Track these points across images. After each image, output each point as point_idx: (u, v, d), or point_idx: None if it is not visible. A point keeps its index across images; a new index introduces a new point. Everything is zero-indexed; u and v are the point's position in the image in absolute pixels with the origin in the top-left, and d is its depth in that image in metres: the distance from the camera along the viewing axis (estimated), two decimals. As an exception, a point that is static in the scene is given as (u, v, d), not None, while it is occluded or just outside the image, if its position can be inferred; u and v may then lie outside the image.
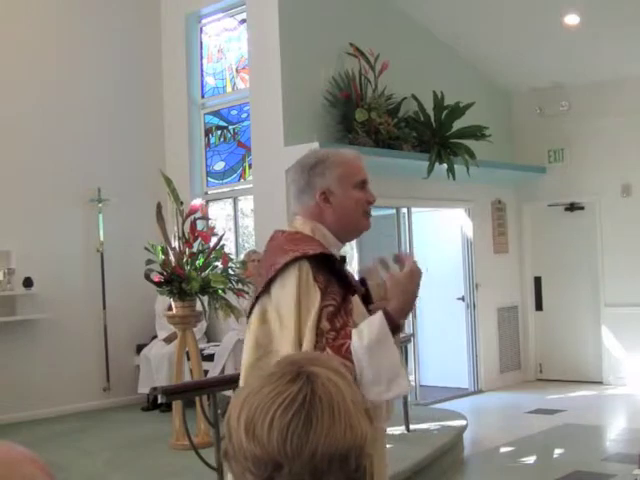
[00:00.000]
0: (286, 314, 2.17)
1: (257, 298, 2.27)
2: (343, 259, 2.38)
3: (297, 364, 1.10)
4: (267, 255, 2.35)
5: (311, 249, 2.22)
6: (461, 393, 9.42)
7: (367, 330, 2.13)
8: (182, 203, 6.64)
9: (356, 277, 2.48)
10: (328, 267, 2.23)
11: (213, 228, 7.02)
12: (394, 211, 9.02)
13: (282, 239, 2.34)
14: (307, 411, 1.04)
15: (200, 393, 5.46)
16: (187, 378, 6.78)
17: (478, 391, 9.56)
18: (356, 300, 2.31)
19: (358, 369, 2.09)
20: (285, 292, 2.19)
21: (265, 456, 1.04)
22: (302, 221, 2.36)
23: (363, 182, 2.39)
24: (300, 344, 2.14)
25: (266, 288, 2.24)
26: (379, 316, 2.15)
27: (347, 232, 2.40)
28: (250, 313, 2.30)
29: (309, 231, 2.33)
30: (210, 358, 7.73)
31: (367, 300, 2.40)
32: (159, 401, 7.18)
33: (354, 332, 2.13)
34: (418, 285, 2.22)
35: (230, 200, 9.03)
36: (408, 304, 2.20)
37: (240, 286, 6.61)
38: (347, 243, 2.54)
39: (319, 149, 2.46)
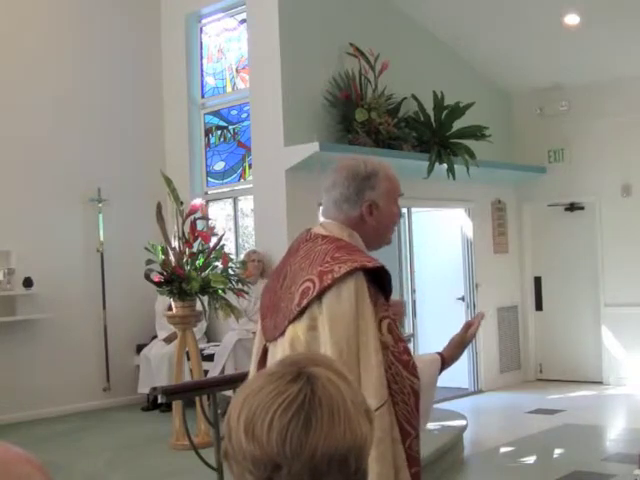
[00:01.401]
0: (342, 327, 2.12)
1: (307, 304, 2.17)
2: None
3: (298, 364, 1.10)
4: (307, 259, 2.26)
5: (367, 261, 2.19)
6: (461, 393, 9.41)
7: (427, 371, 2.31)
8: (182, 203, 6.64)
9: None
10: (377, 280, 2.22)
11: (213, 228, 7.02)
12: (394, 211, 9.01)
13: (329, 246, 2.25)
14: (307, 412, 1.04)
15: (200, 393, 5.46)
16: (187, 378, 6.78)
17: (478, 391, 9.56)
18: None
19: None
20: (341, 304, 2.14)
21: (264, 456, 1.04)
22: (339, 227, 2.32)
23: (400, 195, 2.45)
24: (357, 357, 2.12)
25: (319, 296, 2.16)
26: (437, 362, 2.40)
27: (377, 244, 2.40)
28: (295, 318, 2.20)
29: (347, 237, 2.30)
30: (210, 358, 7.73)
31: None
32: (159, 401, 7.18)
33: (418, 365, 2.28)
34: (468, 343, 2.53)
35: (230, 200, 9.03)
36: (456, 360, 2.47)
37: (240, 286, 6.61)
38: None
39: (366, 159, 2.42)
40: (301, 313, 2.18)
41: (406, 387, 2.16)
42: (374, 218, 2.31)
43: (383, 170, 2.38)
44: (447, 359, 2.40)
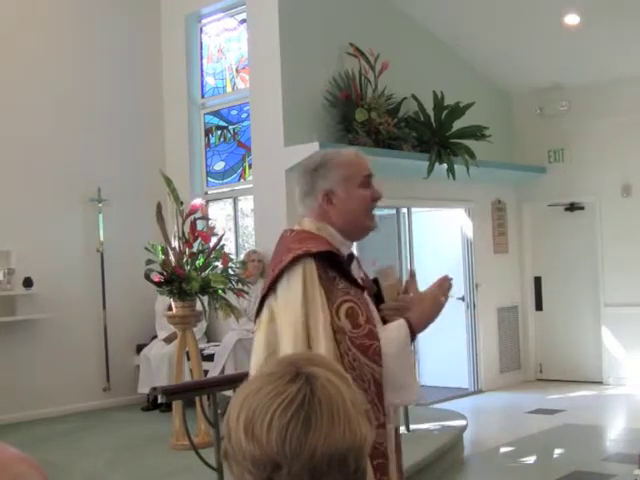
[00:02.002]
0: (292, 313, 2.17)
1: (264, 297, 2.27)
2: (351, 256, 2.38)
3: (296, 364, 1.10)
4: (274, 254, 2.37)
5: (315, 247, 2.22)
6: (461, 393, 9.41)
7: (395, 338, 2.22)
8: (182, 203, 6.64)
9: (370, 276, 2.49)
10: (335, 264, 2.24)
11: (213, 228, 7.02)
12: (394, 211, 9.03)
13: (289, 238, 2.34)
14: (306, 412, 1.04)
15: (200, 393, 5.46)
16: (187, 378, 6.78)
17: (478, 391, 9.56)
18: (366, 298, 2.33)
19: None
20: (290, 291, 2.20)
21: (264, 457, 1.04)
22: (309, 221, 2.37)
23: (368, 177, 2.39)
24: (307, 343, 2.14)
25: (272, 287, 2.24)
26: (404, 326, 2.25)
27: (353, 232, 2.39)
28: (258, 312, 2.30)
29: (315, 230, 2.33)
30: (210, 358, 7.73)
31: (378, 299, 2.43)
32: (159, 401, 7.18)
33: (382, 338, 2.20)
34: (442, 305, 2.35)
35: (230, 200, 9.03)
36: (429, 320, 2.33)
37: (240, 286, 6.61)
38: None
39: (321, 151, 2.50)
40: (261, 305, 2.28)
41: (366, 374, 2.13)
42: (335, 206, 2.33)
43: (336, 158, 2.38)
44: (414, 320, 2.28)
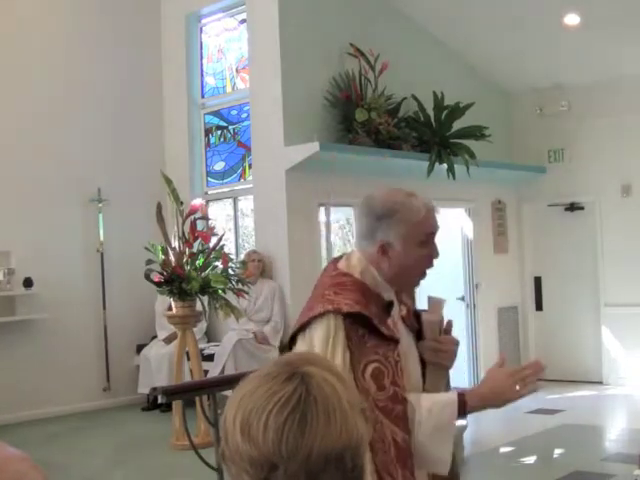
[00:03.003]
0: None
1: (296, 333, 2.18)
2: (390, 304, 2.25)
3: (292, 364, 1.10)
4: (315, 288, 2.27)
5: (348, 303, 2.11)
6: (461, 393, 9.41)
7: (436, 414, 2.11)
8: (182, 203, 6.65)
9: (411, 312, 2.38)
10: (366, 323, 2.13)
11: (213, 228, 7.02)
12: (394, 211, 9.02)
13: (328, 278, 2.24)
14: (302, 411, 1.04)
15: (200, 393, 5.46)
16: (187, 378, 6.78)
17: (478, 391, 9.55)
18: (405, 344, 2.23)
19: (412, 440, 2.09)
20: (307, 345, 2.12)
21: (261, 457, 1.04)
22: (358, 259, 2.25)
23: (430, 235, 2.31)
24: None
25: (302, 328, 2.15)
26: (452, 405, 2.13)
27: (400, 285, 2.30)
28: (290, 346, 2.21)
29: (359, 273, 2.22)
30: (210, 358, 7.73)
31: (418, 335, 2.33)
32: (159, 401, 7.18)
33: (424, 408, 2.10)
34: (512, 400, 2.16)
35: (230, 200, 9.03)
36: (488, 404, 2.18)
37: (240, 286, 6.62)
38: None
39: (391, 194, 2.35)
40: (292, 340, 2.20)
41: (387, 436, 2.04)
42: (388, 259, 2.21)
43: (405, 212, 2.26)
44: (471, 399, 2.14)
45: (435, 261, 2.40)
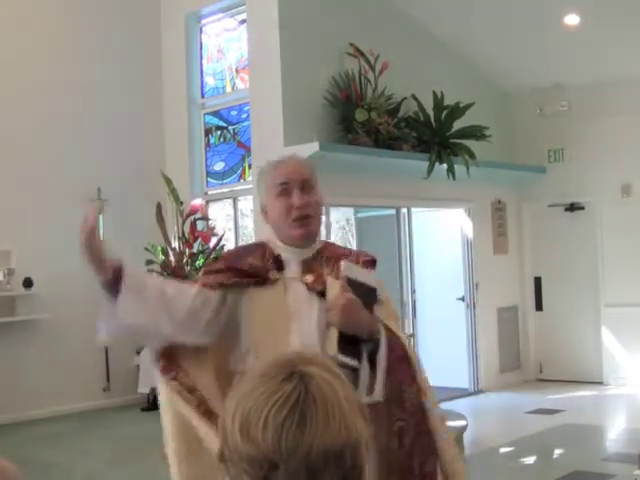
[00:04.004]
0: None
1: None
2: (276, 258, 2.39)
3: (290, 364, 1.10)
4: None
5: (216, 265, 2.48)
6: (461, 393, 9.41)
7: None
8: (182, 203, 6.66)
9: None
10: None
11: (213, 228, 7.03)
12: (394, 211, 9.03)
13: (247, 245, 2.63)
14: (301, 410, 1.05)
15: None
16: (187, 378, 6.77)
17: (478, 391, 9.56)
18: (299, 304, 2.33)
19: None
20: None
21: (260, 456, 1.04)
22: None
23: (282, 185, 2.35)
24: None
25: None
26: None
27: (286, 239, 2.41)
28: None
29: (266, 240, 2.46)
30: (210, 358, 7.72)
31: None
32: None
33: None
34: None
35: (230, 200, 9.03)
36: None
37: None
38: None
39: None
40: None
41: None
42: (268, 218, 2.43)
43: (262, 173, 2.44)
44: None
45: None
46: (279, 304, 2.33)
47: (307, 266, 2.39)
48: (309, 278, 2.37)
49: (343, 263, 2.33)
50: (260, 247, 2.44)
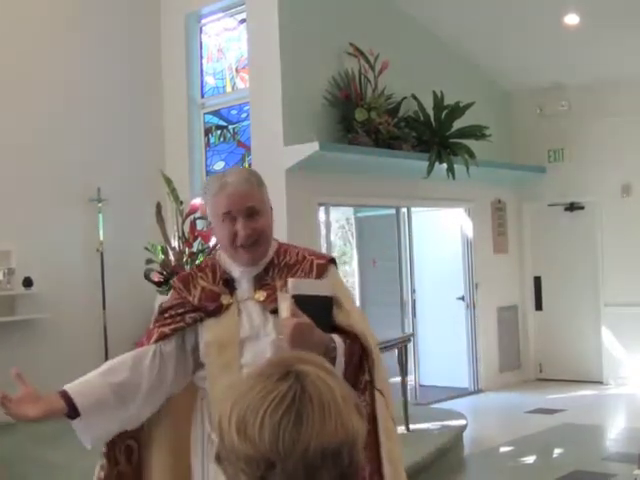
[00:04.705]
0: None
1: None
2: (227, 281, 2.41)
3: (286, 363, 1.11)
4: None
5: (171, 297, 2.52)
6: (461, 393, 9.41)
7: None
8: (182, 203, 6.66)
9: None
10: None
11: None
12: (394, 211, 9.03)
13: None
14: (297, 408, 1.05)
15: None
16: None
17: (478, 391, 9.56)
18: (255, 323, 2.36)
19: None
20: None
21: (257, 455, 1.04)
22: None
23: (225, 215, 2.33)
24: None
25: None
26: None
27: (233, 259, 2.42)
28: None
29: (218, 255, 2.50)
30: (210, 358, 7.72)
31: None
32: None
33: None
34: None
35: (230, 200, 9.01)
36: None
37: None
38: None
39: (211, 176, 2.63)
40: None
41: None
42: (215, 235, 2.49)
43: (206, 191, 2.44)
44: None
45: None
46: (232, 329, 2.35)
47: (258, 282, 2.39)
48: (261, 296, 2.37)
49: (290, 282, 2.25)
50: (210, 267, 2.46)
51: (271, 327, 2.32)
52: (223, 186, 2.32)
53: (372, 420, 2.26)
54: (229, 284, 2.40)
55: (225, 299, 2.38)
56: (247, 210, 2.31)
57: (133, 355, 2.38)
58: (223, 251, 2.44)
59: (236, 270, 2.41)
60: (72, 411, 2.27)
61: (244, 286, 2.40)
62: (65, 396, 2.30)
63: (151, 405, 2.37)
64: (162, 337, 2.37)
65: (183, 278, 2.47)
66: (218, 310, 2.37)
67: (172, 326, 2.38)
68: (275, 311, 2.29)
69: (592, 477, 5.88)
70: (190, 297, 2.40)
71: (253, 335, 2.33)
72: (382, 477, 2.25)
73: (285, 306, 2.19)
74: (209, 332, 2.36)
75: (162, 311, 2.44)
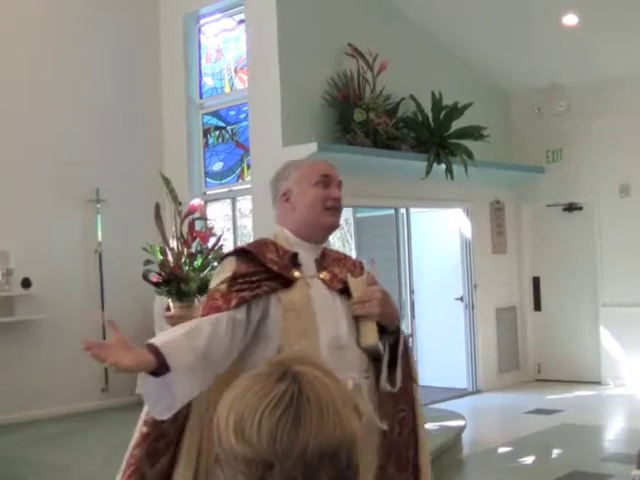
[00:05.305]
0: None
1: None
2: (294, 255, 2.45)
3: (283, 364, 1.11)
4: None
5: (238, 248, 2.54)
6: (459, 393, 9.41)
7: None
8: (180, 203, 6.62)
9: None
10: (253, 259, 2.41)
11: (212, 228, 6.99)
12: (393, 211, 9.03)
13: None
14: (295, 409, 1.05)
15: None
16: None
17: (476, 391, 9.57)
18: (322, 302, 2.41)
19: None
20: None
21: (255, 456, 1.04)
22: (275, 227, 2.55)
23: (323, 177, 2.48)
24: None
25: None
26: None
27: (309, 229, 2.48)
28: None
29: (273, 236, 2.50)
30: (209, 358, 7.72)
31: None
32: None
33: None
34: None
35: (228, 200, 9.03)
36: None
37: (238, 286, 6.60)
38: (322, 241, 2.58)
39: (285, 162, 2.66)
40: None
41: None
42: (291, 204, 2.48)
43: (293, 164, 2.58)
44: None
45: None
46: (305, 302, 2.39)
47: (319, 265, 2.49)
48: (326, 275, 2.48)
49: (365, 262, 2.58)
50: (270, 244, 2.48)
51: (339, 302, 2.43)
52: (318, 161, 2.60)
53: (412, 406, 2.49)
54: (294, 261, 2.44)
55: (295, 272, 2.42)
56: (339, 182, 2.53)
57: (210, 320, 2.29)
58: (293, 221, 2.47)
59: (300, 248, 2.47)
60: (161, 367, 2.19)
61: (309, 265, 2.47)
62: (155, 351, 2.23)
63: (219, 372, 2.30)
64: (242, 302, 2.31)
65: (255, 246, 2.47)
66: (290, 282, 2.40)
67: (251, 292, 2.33)
68: (341, 291, 2.44)
69: (590, 477, 5.89)
70: (268, 264, 2.40)
71: (322, 309, 2.40)
72: (417, 453, 2.51)
73: (359, 284, 2.43)
74: (286, 299, 2.37)
75: (235, 277, 2.37)
